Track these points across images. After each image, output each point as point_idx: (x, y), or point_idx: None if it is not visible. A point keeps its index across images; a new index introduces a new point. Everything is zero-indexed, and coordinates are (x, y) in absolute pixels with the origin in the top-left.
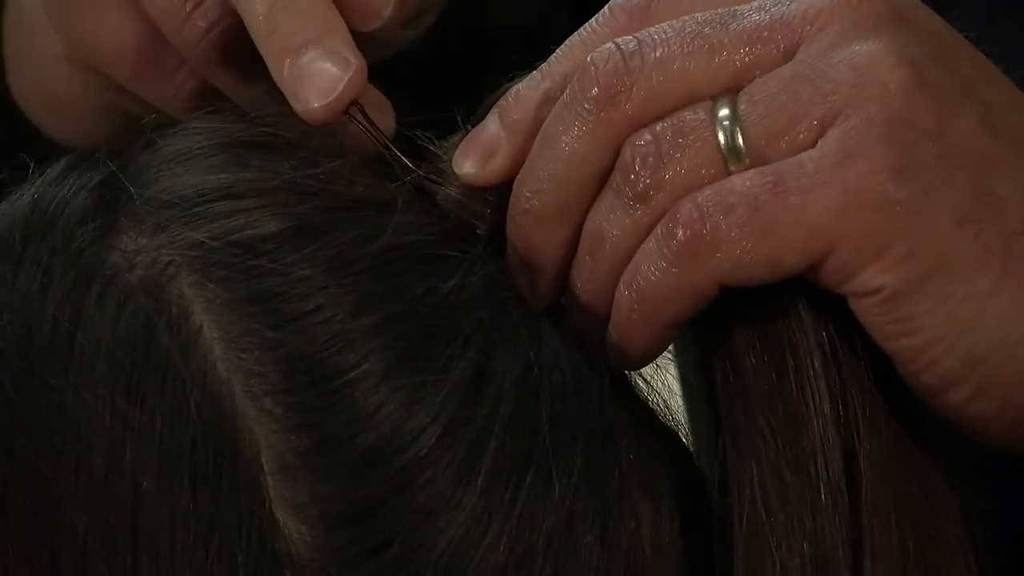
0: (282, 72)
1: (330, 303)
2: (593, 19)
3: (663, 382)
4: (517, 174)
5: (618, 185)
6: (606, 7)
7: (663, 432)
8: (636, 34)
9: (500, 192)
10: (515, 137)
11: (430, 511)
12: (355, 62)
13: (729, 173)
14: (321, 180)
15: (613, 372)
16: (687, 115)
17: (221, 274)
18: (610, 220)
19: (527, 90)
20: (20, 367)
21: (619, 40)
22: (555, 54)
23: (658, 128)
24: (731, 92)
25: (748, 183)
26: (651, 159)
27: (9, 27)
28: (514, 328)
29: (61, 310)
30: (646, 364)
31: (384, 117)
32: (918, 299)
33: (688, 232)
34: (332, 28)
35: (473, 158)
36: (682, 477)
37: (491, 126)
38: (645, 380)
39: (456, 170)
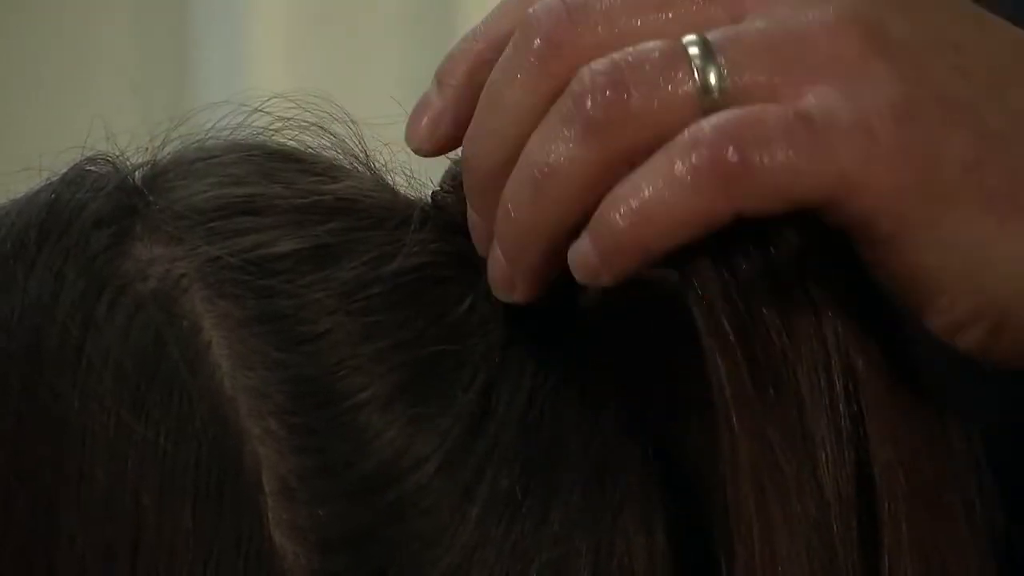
0: None
1: (339, 327)
2: None
3: None
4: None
5: (568, 112)
6: None
7: (666, 463)
8: None
9: None
10: (454, 101)
11: (427, 540)
12: None
13: (703, 111)
14: (341, 198)
15: (622, 408)
16: (651, 46)
17: (233, 291)
18: (563, 150)
19: (461, 52)
20: (28, 371)
21: None
22: (490, 14)
23: (617, 56)
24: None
25: (775, 114)
26: (611, 88)
27: None
28: (522, 357)
29: (71, 316)
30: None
31: None
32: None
33: (724, 159)
34: None
35: (421, 132)
36: (680, 509)
37: (431, 96)
38: None
39: (409, 147)
